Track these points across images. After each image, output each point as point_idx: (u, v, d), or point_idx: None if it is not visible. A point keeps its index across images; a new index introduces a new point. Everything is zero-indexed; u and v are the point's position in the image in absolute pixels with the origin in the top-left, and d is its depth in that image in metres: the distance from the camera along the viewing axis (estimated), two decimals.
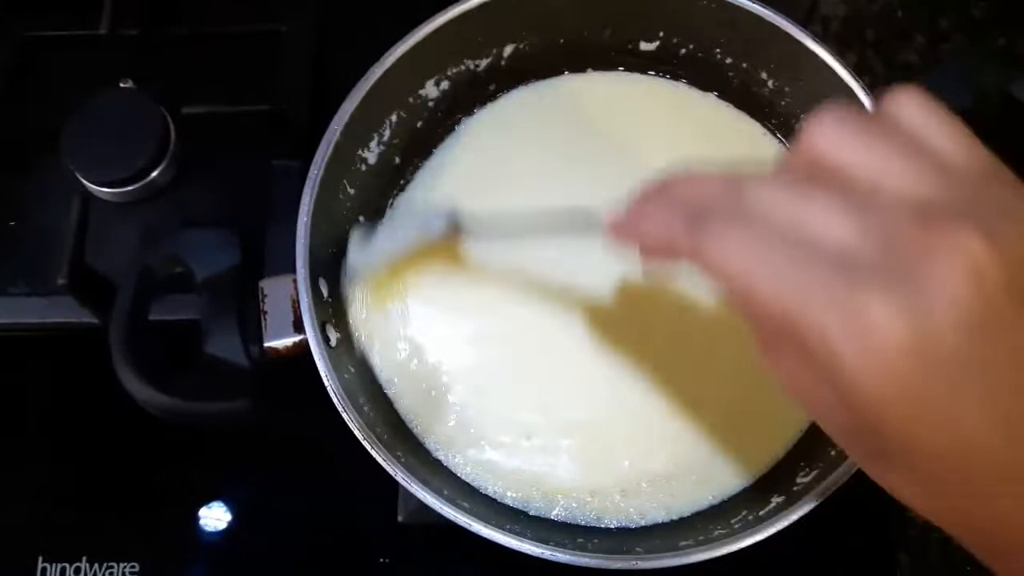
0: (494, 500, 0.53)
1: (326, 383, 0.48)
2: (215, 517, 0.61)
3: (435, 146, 0.61)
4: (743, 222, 0.29)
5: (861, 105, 0.52)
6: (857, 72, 0.53)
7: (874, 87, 0.53)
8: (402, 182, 0.60)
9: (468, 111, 0.62)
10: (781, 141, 0.61)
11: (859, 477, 0.46)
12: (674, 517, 0.52)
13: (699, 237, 0.30)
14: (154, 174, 0.62)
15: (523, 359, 0.55)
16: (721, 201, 0.31)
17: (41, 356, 0.64)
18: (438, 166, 0.61)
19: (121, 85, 0.64)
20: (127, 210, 0.63)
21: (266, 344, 0.50)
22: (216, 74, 0.68)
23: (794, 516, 0.46)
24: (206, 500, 0.61)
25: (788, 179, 0.30)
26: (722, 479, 0.53)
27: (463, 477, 0.53)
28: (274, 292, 0.50)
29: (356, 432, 0.47)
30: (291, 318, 0.50)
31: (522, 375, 0.55)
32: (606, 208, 0.38)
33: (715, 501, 0.53)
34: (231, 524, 0.61)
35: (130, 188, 0.62)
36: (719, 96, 0.62)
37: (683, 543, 0.48)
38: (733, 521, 0.49)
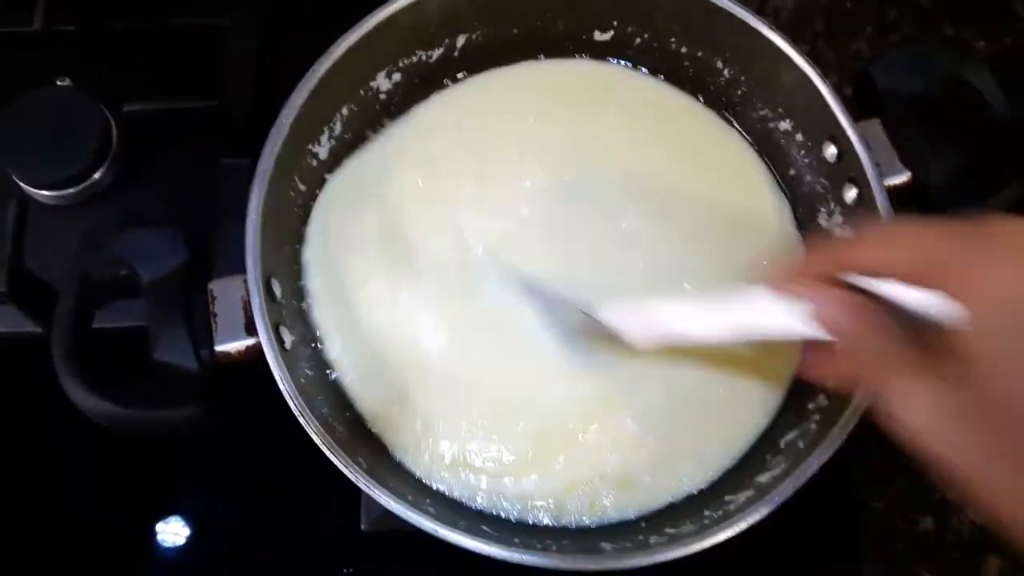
0: (459, 503, 0.52)
1: (281, 387, 0.46)
2: (173, 532, 0.59)
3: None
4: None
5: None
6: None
7: (827, 76, 0.53)
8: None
9: (422, 98, 0.60)
10: (736, 127, 0.60)
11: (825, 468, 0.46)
12: (640, 513, 0.52)
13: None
14: (96, 175, 0.60)
15: (488, 359, 0.54)
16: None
17: None
18: (381, 144, 0.59)
19: (58, 83, 0.62)
20: (68, 213, 0.60)
21: (217, 348, 0.48)
22: (158, 70, 0.66)
23: (765, 510, 0.46)
24: (163, 514, 0.59)
25: None
26: (681, 478, 0.52)
27: (427, 481, 0.52)
28: (224, 294, 0.49)
29: (314, 437, 0.45)
30: (243, 320, 0.48)
31: (487, 376, 0.53)
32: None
33: (676, 499, 0.52)
34: (190, 539, 0.59)
35: (70, 190, 0.59)
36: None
37: (653, 540, 0.48)
38: (704, 518, 0.49)
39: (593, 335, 0.51)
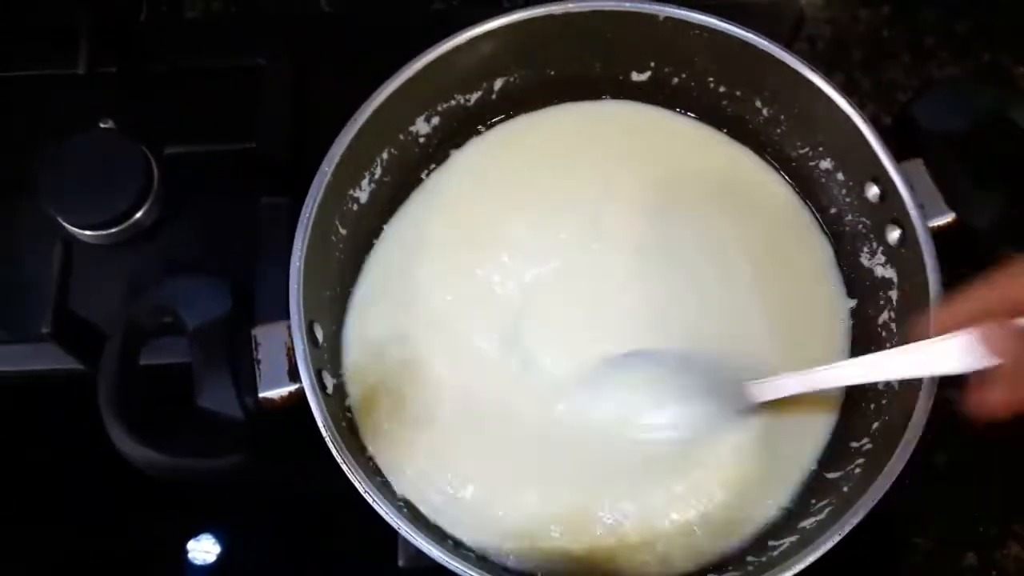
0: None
1: (323, 432, 0.46)
2: (204, 550, 0.59)
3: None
4: None
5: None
6: (845, 91, 0.53)
7: (864, 106, 0.52)
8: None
9: (459, 144, 0.61)
10: (775, 168, 0.60)
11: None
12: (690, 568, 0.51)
13: None
14: (138, 215, 0.61)
15: (524, 425, 0.53)
16: None
17: (26, 404, 0.62)
18: (426, 198, 0.59)
19: (101, 125, 0.63)
20: (111, 252, 0.62)
21: (261, 395, 0.48)
22: (198, 112, 0.67)
23: (810, 558, 0.45)
24: (194, 532, 0.59)
25: None
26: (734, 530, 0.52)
27: (462, 539, 0.51)
28: (267, 340, 0.49)
29: (357, 485, 0.45)
30: (286, 366, 0.48)
31: (523, 438, 0.53)
32: None
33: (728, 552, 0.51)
34: (220, 556, 0.59)
35: (113, 230, 0.61)
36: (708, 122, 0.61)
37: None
38: (748, 564, 0.49)
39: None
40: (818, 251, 0.58)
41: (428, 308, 0.56)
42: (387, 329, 0.55)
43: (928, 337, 0.44)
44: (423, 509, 0.51)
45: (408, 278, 0.56)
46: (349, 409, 0.53)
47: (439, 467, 0.52)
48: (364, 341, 0.55)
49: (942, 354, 0.43)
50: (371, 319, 0.56)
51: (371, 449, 0.52)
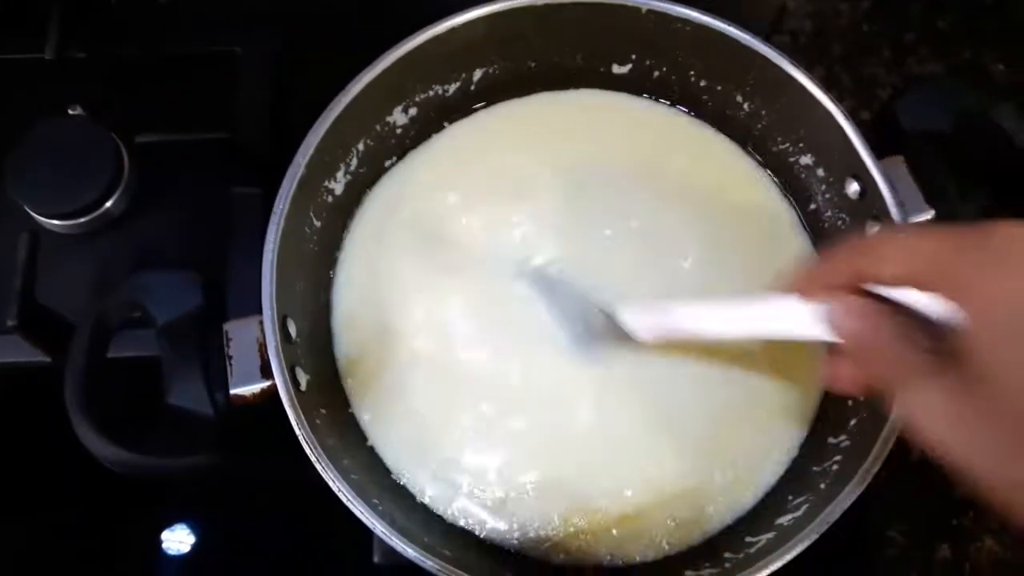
0: (475, 537, 0.51)
1: (297, 431, 0.46)
2: (178, 540, 0.59)
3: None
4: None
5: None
6: (825, 85, 0.53)
7: (843, 101, 0.52)
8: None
9: (438, 130, 0.60)
10: (757, 160, 0.60)
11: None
12: (661, 555, 0.51)
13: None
14: (107, 205, 0.59)
15: (510, 406, 0.53)
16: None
17: None
18: (400, 180, 0.59)
19: (70, 112, 0.61)
20: (79, 243, 0.60)
21: (232, 391, 0.47)
22: (171, 100, 0.66)
23: (787, 556, 0.45)
24: (169, 523, 0.59)
25: None
26: (708, 516, 0.52)
27: (447, 518, 0.51)
28: (239, 335, 0.48)
29: (331, 484, 0.45)
30: (258, 362, 0.47)
31: (509, 421, 0.53)
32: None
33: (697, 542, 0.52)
34: (195, 547, 0.58)
35: (82, 220, 0.59)
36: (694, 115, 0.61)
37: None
38: (724, 560, 0.48)
39: (609, 336, 0.51)
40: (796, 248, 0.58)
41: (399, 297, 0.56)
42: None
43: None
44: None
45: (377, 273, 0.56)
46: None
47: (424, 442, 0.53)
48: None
49: (785, 317, 0.41)
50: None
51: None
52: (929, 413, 0.34)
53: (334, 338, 0.55)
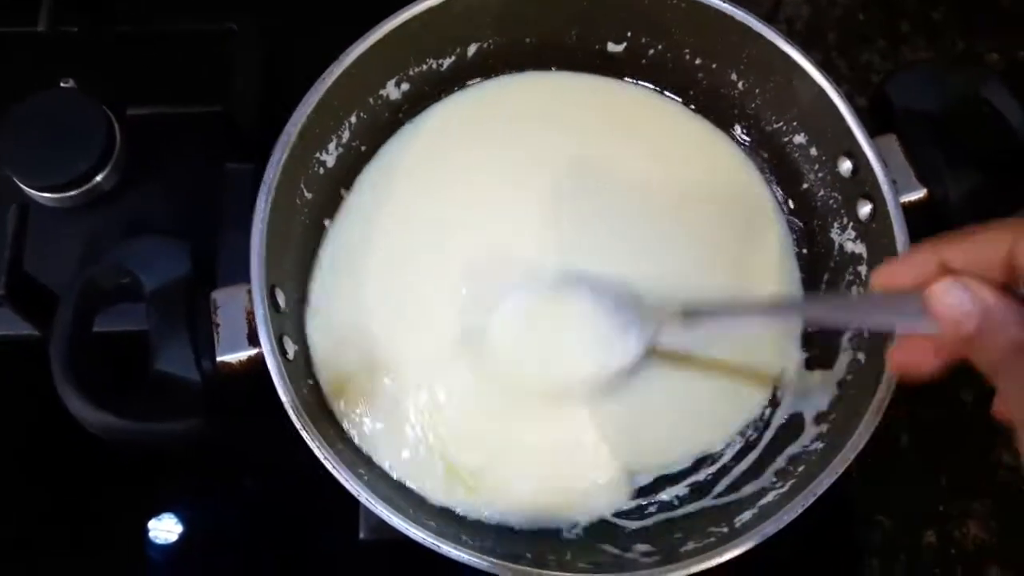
0: (460, 516, 0.51)
1: (283, 399, 0.45)
2: (165, 529, 0.58)
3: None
4: None
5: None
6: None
7: (839, 87, 0.52)
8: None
9: (432, 104, 0.60)
10: (745, 145, 0.60)
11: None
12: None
13: None
14: (98, 178, 0.59)
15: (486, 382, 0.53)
16: None
17: None
18: (387, 164, 0.58)
19: (62, 84, 0.61)
20: (69, 216, 0.60)
21: (219, 359, 0.47)
22: (164, 74, 0.65)
23: (771, 529, 0.45)
24: (155, 512, 0.58)
25: None
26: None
27: (430, 500, 0.51)
28: (227, 303, 0.48)
29: (316, 451, 0.45)
30: (246, 330, 0.47)
31: (485, 397, 0.53)
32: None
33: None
34: (182, 536, 0.58)
35: (72, 193, 0.59)
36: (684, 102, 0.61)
37: (657, 558, 0.47)
38: (709, 535, 0.48)
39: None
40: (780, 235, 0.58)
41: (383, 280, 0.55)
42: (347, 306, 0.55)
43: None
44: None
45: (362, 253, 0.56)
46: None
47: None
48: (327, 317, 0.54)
49: (888, 308, 0.41)
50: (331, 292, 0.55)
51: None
52: None
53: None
